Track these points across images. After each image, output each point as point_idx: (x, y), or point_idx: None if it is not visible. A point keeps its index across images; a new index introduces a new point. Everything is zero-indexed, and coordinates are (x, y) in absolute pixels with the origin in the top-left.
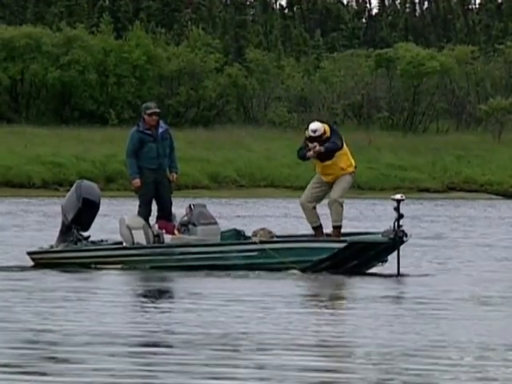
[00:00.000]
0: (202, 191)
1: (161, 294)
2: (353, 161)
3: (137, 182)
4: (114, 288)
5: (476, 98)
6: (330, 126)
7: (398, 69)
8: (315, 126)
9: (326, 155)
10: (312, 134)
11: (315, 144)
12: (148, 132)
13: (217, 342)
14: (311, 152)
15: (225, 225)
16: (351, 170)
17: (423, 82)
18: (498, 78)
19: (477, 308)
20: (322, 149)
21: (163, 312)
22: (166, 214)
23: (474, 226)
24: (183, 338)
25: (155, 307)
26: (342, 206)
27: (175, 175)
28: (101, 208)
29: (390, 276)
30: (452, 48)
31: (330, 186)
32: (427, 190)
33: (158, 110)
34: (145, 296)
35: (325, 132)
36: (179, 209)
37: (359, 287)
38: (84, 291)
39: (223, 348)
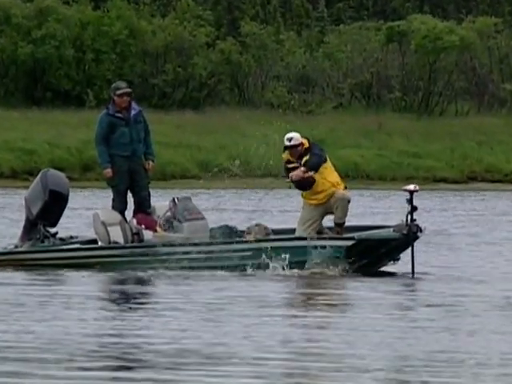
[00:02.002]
0: (191, 181)
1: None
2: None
3: (108, 171)
4: (85, 291)
5: (500, 76)
6: (308, 140)
7: (411, 44)
8: (291, 134)
9: (307, 183)
10: (287, 143)
11: (302, 169)
12: (119, 115)
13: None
14: (298, 172)
15: (216, 220)
16: (343, 186)
17: (440, 59)
18: None
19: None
20: (311, 173)
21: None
22: (143, 207)
23: (497, 222)
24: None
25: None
26: (349, 202)
27: (151, 163)
28: (77, 201)
29: (403, 276)
30: (473, 20)
31: (322, 209)
32: (444, 181)
33: (129, 90)
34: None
35: (302, 144)
36: (159, 201)
37: (352, 289)
38: (50, 296)
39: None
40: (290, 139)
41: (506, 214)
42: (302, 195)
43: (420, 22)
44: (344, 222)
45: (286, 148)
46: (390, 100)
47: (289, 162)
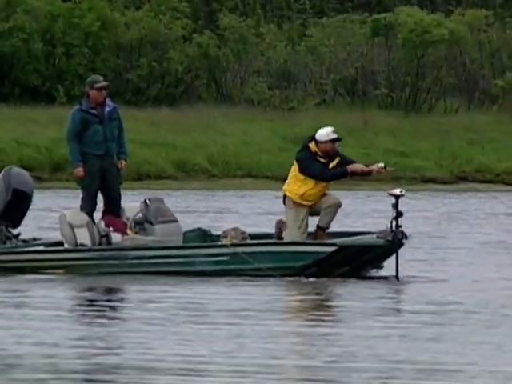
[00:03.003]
0: (167, 182)
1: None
2: None
3: (80, 170)
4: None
5: (491, 71)
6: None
7: (398, 37)
8: (330, 127)
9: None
10: (334, 136)
11: (381, 165)
12: (93, 112)
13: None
14: (376, 167)
15: (191, 222)
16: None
17: (428, 53)
18: None
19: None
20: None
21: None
22: (114, 209)
23: (486, 225)
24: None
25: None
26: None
27: (124, 162)
28: (46, 201)
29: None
30: (462, 13)
31: (309, 211)
32: (433, 181)
33: (107, 84)
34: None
35: None
36: (129, 202)
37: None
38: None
39: None
40: (334, 131)
41: (495, 216)
42: (289, 196)
43: (407, 15)
44: (328, 228)
45: (333, 140)
46: (376, 96)
47: (317, 154)
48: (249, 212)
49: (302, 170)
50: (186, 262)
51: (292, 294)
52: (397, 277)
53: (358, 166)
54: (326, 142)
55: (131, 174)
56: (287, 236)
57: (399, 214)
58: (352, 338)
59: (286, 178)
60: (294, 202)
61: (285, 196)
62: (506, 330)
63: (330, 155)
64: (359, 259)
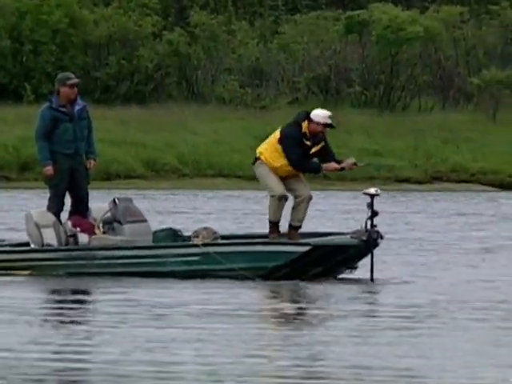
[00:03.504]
0: (136, 181)
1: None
2: None
3: (49, 169)
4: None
5: (466, 69)
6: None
7: (372, 34)
8: (326, 111)
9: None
10: (328, 121)
11: (351, 161)
12: (63, 110)
13: None
14: (340, 166)
15: (160, 223)
16: None
17: (403, 51)
18: (492, 46)
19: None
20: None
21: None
22: (81, 209)
23: (464, 224)
24: None
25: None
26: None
27: (93, 162)
28: (12, 201)
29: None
30: (437, 9)
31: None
32: (407, 181)
33: (79, 81)
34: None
35: None
36: (96, 203)
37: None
38: None
39: None
40: (331, 116)
41: (471, 216)
42: (264, 162)
43: (381, 12)
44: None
45: (327, 125)
46: (350, 95)
47: (305, 136)
48: (218, 211)
49: (283, 146)
50: (156, 262)
51: (260, 296)
52: (371, 278)
53: (331, 166)
54: (318, 123)
55: (100, 174)
56: (267, 188)
57: (374, 214)
58: (318, 341)
59: (256, 178)
60: (268, 168)
61: (257, 158)
62: (472, 333)
63: (317, 138)
64: (333, 260)
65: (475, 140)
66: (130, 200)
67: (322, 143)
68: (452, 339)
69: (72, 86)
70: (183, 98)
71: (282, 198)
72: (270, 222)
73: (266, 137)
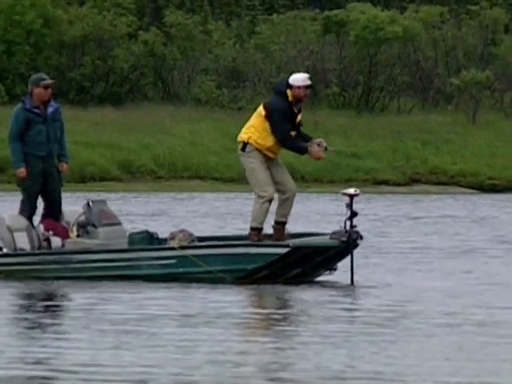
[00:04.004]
0: (112, 184)
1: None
2: None
3: (22, 171)
4: None
5: (446, 70)
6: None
7: (350, 35)
8: (301, 74)
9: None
10: (308, 82)
11: (320, 141)
12: (36, 111)
13: None
14: (322, 155)
15: (136, 225)
16: None
17: (381, 51)
18: (472, 46)
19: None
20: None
21: None
22: (54, 212)
23: (444, 227)
24: None
25: None
26: None
27: (65, 165)
28: None
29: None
30: (416, 9)
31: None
32: (386, 183)
33: (53, 82)
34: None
35: None
36: (68, 206)
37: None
38: None
39: None
40: (310, 77)
41: (451, 218)
42: (253, 145)
43: (359, 12)
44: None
45: (308, 87)
46: (327, 96)
47: (291, 104)
48: (195, 214)
49: (272, 121)
50: (132, 266)
51: (232, 300)
52: (351, 280)
53: (317, 154)
54: (299, 87)
55: (74, 176)
56: (255, 186)
57: (354, 214)
58: (288, 347)
59: (233, 180)
60: (258, 150)
61: (245, 143)
62: (442, 338)
63: (299, 104)
64: (312, 261)
65: (455, 142)
66: (104, 202)
67: (300, 115)
68: (423, 345)
69: (46, 86)
70: (159, 99)
71: (272, 201)
72: (255, 228)
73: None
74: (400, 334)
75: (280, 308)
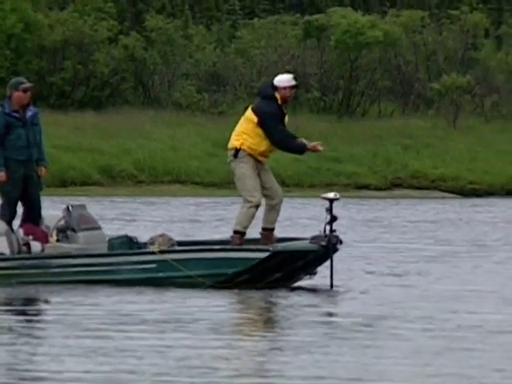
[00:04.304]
0: (92, 188)
1: None
2: None
3: (2, 175)
4: None
5: (426, 74)
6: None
7: (331, 39)
8: (285, 75)
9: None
10: (293, 82)
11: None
12: (15, 115)
13: None
14: (320, 148)
15: (116, 230)
16: None
17: (362, 56)
18: (453, 51)
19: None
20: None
21: None
22: (34, 217)
23: (424, 232)
24: None
25: None
26: None
27: (44, 169)
28: None
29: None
30: (397, 14)
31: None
32: (367, 187)
33: (32, 85)
34: None
35: None
36: (48, 211)
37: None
38: None
39: None
40: (294, 77)
41: (433, 223)
42: (247, 151)
43: (340, 16)
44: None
45: (294, 87)
46: (308, 100)
47: (281, 106)
48: (176, 218)
49: (266, 127)
50: (112, 270)
51: (207, 305)
52: (331, 285)
53: (316, 147)
54: (285, 87)
55: (55, 181)
56: (243, 190)
57: (333, 219)
58: (263, 351)
59: (214, 185)
60: (251, 155)
61: (238, 150)
62: (417, 343)
63: (287, 103)
64: (292, 265)
65: (435, 146)
66: (84, 207)
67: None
68: (397, 349)
69: (25, 90)
70: (139, 104)
71: (258, 207)
72: (238, 232)
73: (224, 143)
74: (376, 337)
75: (257, 313)
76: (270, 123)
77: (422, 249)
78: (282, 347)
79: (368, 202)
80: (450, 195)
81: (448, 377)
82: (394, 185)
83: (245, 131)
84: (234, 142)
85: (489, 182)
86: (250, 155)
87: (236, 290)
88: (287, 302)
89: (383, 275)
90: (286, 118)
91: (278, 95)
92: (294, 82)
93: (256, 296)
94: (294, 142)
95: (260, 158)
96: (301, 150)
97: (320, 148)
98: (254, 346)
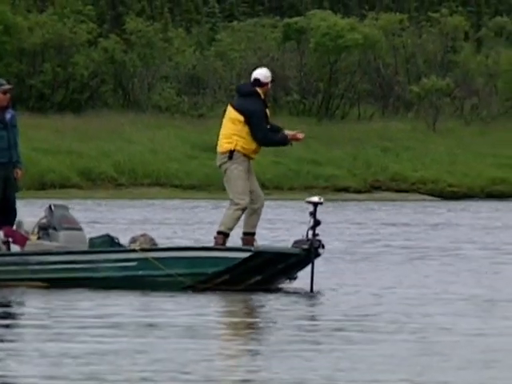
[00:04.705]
0: (72, 191)
1: None
2: None
3: None
4: None
5: (406, 77)
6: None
7: (310, 42)
8: (263, 68)
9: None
10: (269, 79)
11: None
12: None
13: None
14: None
15: (96, 232)
16: None
17: (342, 58)
18: (432, 54)
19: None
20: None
21: None
22: (11, 219)
23: (402, 234)
24: None
25: None
26: None
27: (20, 171)
28: None
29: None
30: (376, 17)
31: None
32: (346, 190)
33: (11, 87)
34: None
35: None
36: (28, 217)
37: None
38: None
39: None
40: (268, 76)
41: (411, 226)
42: (240, 151)
43: (320, 19)
44: None
45: (266, 84)
46: (288, 103)
47: (264, 101)
48: (155, 221)
49: (252, 124)
50: (91, 268)
51: (181, 308)
52: (311, 289)
53: (296, 135)
54: (267, 83)
55: (34, 183)
56: (233, 192)
57: (317, 223)
58: (234, 354)
59: (194, 187)
60: (245, 155)
61: (232, 151)
62: (388, 346)
63: (268, 96)
64: (273, 268)
65: (415, 149)
66: (66, 208)
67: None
68: (370, 352)
69: (4, 92)
70: (119, 106)
71: (245, 210)
72: (222, 232)
73: (204, 145)
74: (349, 342)
75: (234, 316)
76: (256, 121)
77: (398, 251)
78: (256, 351)
79: (348, 204)
80: (430, 198)
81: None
82: (374, 187)
83: (234, 132)
84: (226, 145)
85: (468, 184)
86: (245, 155)
87: (213, 293)
88: (265, 304)
89: (356, 280)
90: (268, 111)
91: (260, 90)
92: (271, 77)
93: (234, 299)
94: (276, 137)
95: (253, 156)
96: (283, 142)
97: (300, 136)
98: (227, 350)
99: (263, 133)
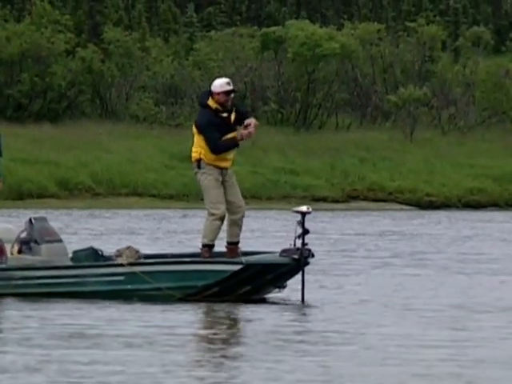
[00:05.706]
0: (50, 201)
1: None
2: None
3: None
4: None
5: (383, 87)
6: None
7: (288, 51)
8: (224, 78)
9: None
10: (228, 87)
11: (250, 121)
12: None
13: None
14: (250, 129)
15: (75, 243)
16: None
17: (319, 68)
18: (410, 63)
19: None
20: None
21: None
22: None
23: (381, 243)
24: None
25: None
26: None
27: (0, 184)
28: None
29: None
30: (354, 27)
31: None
32: (324, 200)
33: None
34: None
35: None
36: (4, 223)
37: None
38: None
39: None
40: (229, 82)
41: (389, 235)
42: (205, 161)
43: (297, 28)
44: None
45: (228, 93)
46: (265, 112)
47: (217, 111)
48: (135, 231)
49: (204, 136)
50: (78, 283)
51: (172, 319)
52: (302, 299)
53: (244, 134)
54: (219, 93)
55: (12, 193)
56: (207, 202)
57: (305, 232)
58: (217, 362)
59: (172, 197)
60: (211, 165)
61: (199, 160)
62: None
63: (226, 107)
64: (263, 278)
65: (392, 159)
66: (45, 219)
67: (234, 109)
68: (341, 363)
69: None
70: (97, 116)
71: (223, 218)
72: (206, 245)
73: (181, 155)
74: (322, 353)
75: (216, 327)
76: (206, 133)
77: (366, 261)
78: (233, 359)
79: (325, 214)
80: (407, 207)
81: None
82: (351, 197)
83: (197, 143)
84: (193, 154)
85: (446, 194)
86: (210, 164)
87: (198, 304)
88: (252, 315)
89: (332, 289)
90: (233, 116)
91: (212, 101)
92: (228, 87)
93: (220, 310)
94: (225, 143)
95: (222, 165)
96: (233, 145)
97: (251, 130)
98: (202, 355)
99: (213, 143)
